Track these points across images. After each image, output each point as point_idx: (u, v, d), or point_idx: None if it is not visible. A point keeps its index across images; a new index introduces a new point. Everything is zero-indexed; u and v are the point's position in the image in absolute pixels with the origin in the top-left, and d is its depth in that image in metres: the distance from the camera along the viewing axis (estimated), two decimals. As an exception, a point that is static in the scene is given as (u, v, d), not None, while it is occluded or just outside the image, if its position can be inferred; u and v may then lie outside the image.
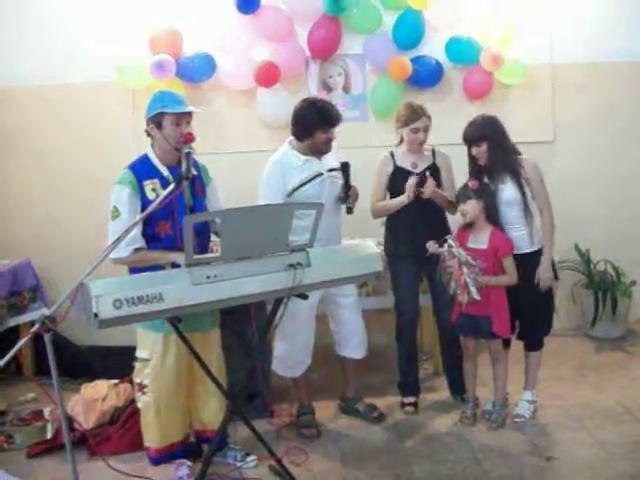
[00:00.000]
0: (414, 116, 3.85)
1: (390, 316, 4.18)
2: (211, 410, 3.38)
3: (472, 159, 3.78)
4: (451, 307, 3.77)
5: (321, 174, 3.66)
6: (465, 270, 3.51)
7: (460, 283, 3.53)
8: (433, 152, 4.02)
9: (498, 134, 3.72)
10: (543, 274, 3.70)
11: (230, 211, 2.82)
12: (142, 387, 3.23)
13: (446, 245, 3.56)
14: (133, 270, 3.13)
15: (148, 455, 3.38)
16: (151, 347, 3.17)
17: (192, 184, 3.20)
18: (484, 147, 3.68)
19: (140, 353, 3.23)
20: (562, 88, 5.37)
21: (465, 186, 3.68)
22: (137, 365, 3.25)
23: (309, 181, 3.63)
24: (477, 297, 3.50)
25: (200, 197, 3.27)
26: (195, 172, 3.17)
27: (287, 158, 3.65)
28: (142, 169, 3.13)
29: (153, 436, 3.30)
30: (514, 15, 5.10)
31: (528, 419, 3.82)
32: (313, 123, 3.59)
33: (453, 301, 3.69)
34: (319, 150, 3.66)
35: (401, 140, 3.98)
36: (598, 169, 5.44)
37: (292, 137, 3.71)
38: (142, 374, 3.23)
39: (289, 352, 3.80)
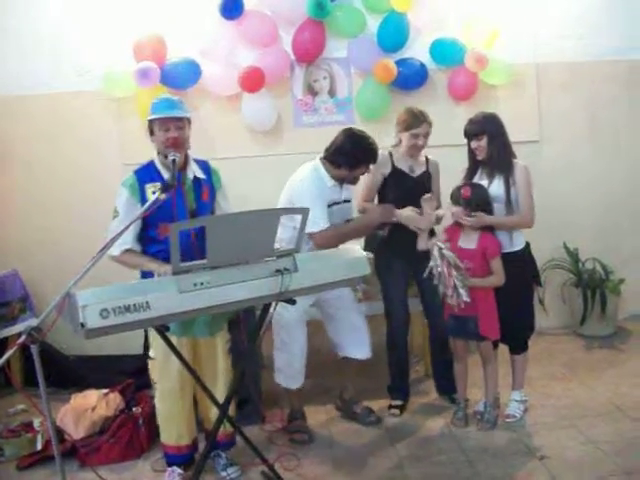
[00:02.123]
0: (415, 122, 3.88)
1: (380, 320, 4.18)
2: (211, 412, 3.38)
3: (471, 154, 3.82)
4: (441, 309, 3.79)
5: (338, 203, 3.76)
6: (454, 272, 3.51)
7: (449, 285, 3.53)
8: (426, 159, 4.06)
9: (497, 130, 3.74)
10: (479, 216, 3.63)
11: (215, 218, 2.82)
12: (154, 383, 3.29)
13: (436, 247, 3.56)
14: (144, 274, 3.17)
15: (163, 451, 3.42)
16: (156, 346, 3.20)
17: (198, 188, 3.25)
18: (484, 141, 3.71)
19: (151, 351, 3.28)
20: (547, 87, 5.39)
21: (459, 188, 3.69)
22: (149, 363, 3.30)
23: (329, 206, 3.69)
24: (467, 299, 3.51)
25: (206, 202, 3.28)
26: (203, 176, 3.26)
27: (321, 175, 3.70)
28: (146, 173, 3.19)
29: (163, 433, 3.36)
30: (497, 15, 5.11)
31: (519, 418, 3.83)
32: (359, 159, 3.67)
33: (444, 302, 3.69)
34: (348, 181, 3.76)
35: (398, 142, 3.98)
36: (585, 168, 5.46)
37: (324, 159, 3.74)
38: (153, 371, 3.29)
39: (289, 361, 3.78)
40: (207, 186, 3.30)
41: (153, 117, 3.15)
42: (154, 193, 3.05)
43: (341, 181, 3.73)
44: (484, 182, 3.76)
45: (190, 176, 3.22)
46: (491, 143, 3.71)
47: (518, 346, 3.88)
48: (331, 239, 3.61)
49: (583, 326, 5.23)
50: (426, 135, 3.92)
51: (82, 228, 4.92)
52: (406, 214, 3.78)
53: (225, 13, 4.81)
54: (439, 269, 3.54)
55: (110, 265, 3.07)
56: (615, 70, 5.44)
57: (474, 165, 3.84)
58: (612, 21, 5.39)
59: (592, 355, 4.89)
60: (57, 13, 4.99)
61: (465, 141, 3.85)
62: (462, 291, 3.51)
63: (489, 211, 3.66)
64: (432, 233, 3.88)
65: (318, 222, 3.56)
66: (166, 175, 3.13)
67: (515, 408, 3.87)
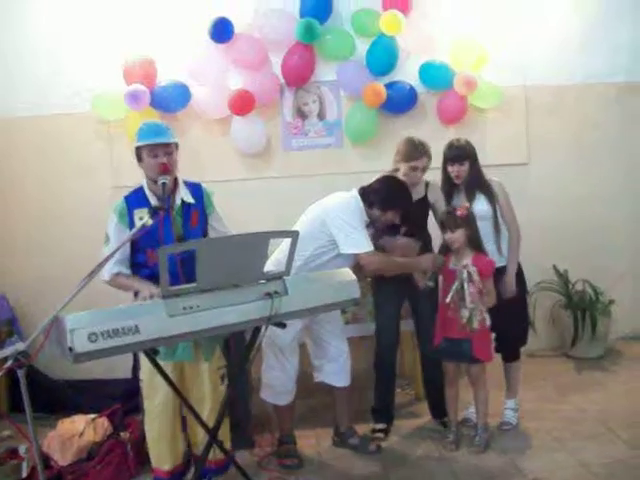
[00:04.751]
0: (415, 154, 3.87)
1: (367, 342, 4.16)
2: (198, 437, 3.35)
3: (447, 177, 3.92)
4: (433, 331, 3.79)
5: None
6: (478, 296, 3.55)
7: (480, 308, 3.54)
8: (426, 185, 4.03)
9: (476, 155, 3.90)
10: (508, 285, 3.86)
11: (205, 241, 2.81)
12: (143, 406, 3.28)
13: (465, 272, 3.56)
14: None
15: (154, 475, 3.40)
16: (144, 369, 3.21)
17: (186, 213, 3.23)
18: (466, 166, 3.83)
19: (141, 374, 3.27)
20: (535, 110, 5.42)
21: (451, 213, 3.70)
22: (141, 385, 3.29)
23: None
24: (489, 323, 3.58)
25: (195, 227, 3.25)
26: (192, 201, 3.24)
27: (360, 205, 3.68)
28: (135, 198, 3.19)
29: (152, 456, 3.34)
30: (486, 39, 5.15)
31: (514, 426, 3.93)
32: (393, 203, 3.67)
33: (435, 325, 3.73)
34: (376, 225, 3.74)
35: (395, 169, 3.96)
36: (573, 190, 5.47)
37: (360, 196, 3.71)
38: (142, 393, 3.28)
39: (278, 380, 3.74)
40: (197, 211, 3.26)
41: (141, 144, 3.14)
42: (141, 219, 3.05)
43: (369, 221, 3.72)
44: (465, 203, 3.85)
45: (178, 201, 3.19)
46: (472, 167, 3.85)
47: (511, 355, 4.01)
48: (380, 264, 3.65)
49: (573, 348, 5.21)
50: (424, 168, 3.92)
51: (70, 251, 4.89)
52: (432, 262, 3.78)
53: (215, 36, 4.84)
54: (468, 292, 3.53)
55: (98, 289, 3.05)
56: (603, 93, 5.47)
57: (449, 188, 3.95)
58: (598, 45, 5.43)
59: (583, 377, 4.87)
60: (47, 35, 4.99)
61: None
62: (487, 315, 3.55)
63: (475, 229, 3.70)
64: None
65: (364, 244, 3.57)
66: (153, 200, 3.14)
67: (511, 416, 3.99)
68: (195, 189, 3.31)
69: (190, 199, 3.24)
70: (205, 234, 3.32)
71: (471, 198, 3.85)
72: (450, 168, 3.87)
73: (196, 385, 3.29)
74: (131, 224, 3.12)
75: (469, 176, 3.85)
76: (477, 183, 3.87)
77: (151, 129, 3.18)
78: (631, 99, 5.51)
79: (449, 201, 3.94)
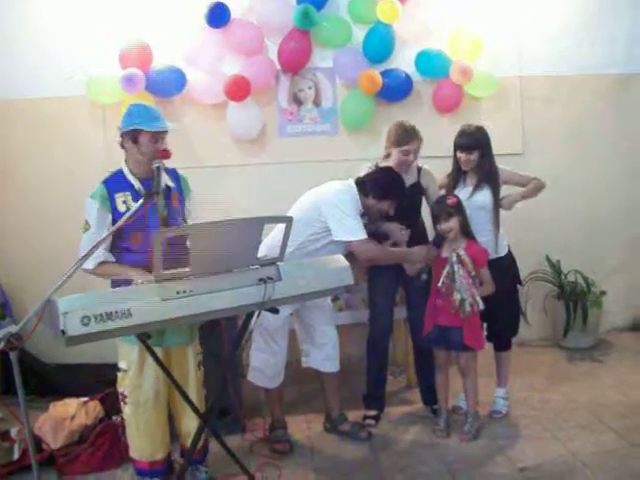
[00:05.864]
0: (406, 138, 3.86)
1: (361, 329, 4.17)
2: (187, 425, 3.33)
3: (456, 163, 3.91)
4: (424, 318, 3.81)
5: None
6: (471, 280, 3.55)
7: (471, 293, 3.54)
8: (419, 170, 4.03)
9: (489, 144, 3.87)
10: (511, 196, 3.96)
11: (199, 225, 2.81)
12: (124, 397, 3.21)
13: (455, 255, 3.57)
14: (114, 283, 3.13)
15: (133, 466, 3.33)
16: (129, 358, 3.15)
17: (167, 195, 3.21)
18: (476, 154, 3.80)
19: (120, 364, 3.21)
20: (530, 100, 5.43)
21: (442, 203, 3.71)
22: (119, 375, 3.22)
23: None
24: (482, 307, 3.58)
25: (176, 208, 3.25)
26: (172, 184, 3.22)
27: (355, 194, 3.69)
28: (115, 183, 3.14)
29: (135, 448, 3.27)
30: (483, 28, 5.14)
31: (505, 414, 3.96)
32: (389, 192, 3.68)
33: (435, 310, 3.73)
34: (370, 214, 3.75)
35: (387, 155, 3.96)
36: (568, 181, 5.47)
37: (356, 186, 3.72)
38: (123, 384, 3.20)
39: (267, 362, 3.75)
40: (177, 192, 3.26)
41: (148, 129, 3.07)
42: (124, 202, 3.07)
43: (364, 212, 3.73)
44: (468, 189, 3.87)
45: (162, 184, 3.14)
46: (482, 156, 3.82)
47: (502, 344, 4.06)
48: (373, 252, 3.66)
49: (565, 338, 5.24)
50: (416, 151, 3.91)
51: (63, 234, 4.85)
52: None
53: (211, 21, 4.81)
54: (460, 275, 3.54)
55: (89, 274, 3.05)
56: (598, 84, 5.49)
57: (458, 173, 3.94)
58: (594, 35, 5.44)
59: (573, 367, 4.90)
60: (42, 17, 4.94)
61: (449, 152, 3.91)
62: (479, 299, 3.55)
63: (466, 217, 3.71)
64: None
65: (358, 232, 3.58)
66: (137, 184, 3.12)
67: (501, 405, 4.04)
68: (172, 174, 3.29)
69: (170, 182, 3.23)
70: (184, 216, 3.32)
71: (476, 187, 3.86)
72: (459, 155, 3.86)
73: (181, 372, 3.25)
74: (114, 208, 3.09)
75: (478, 165, 3.84)
76: (485, 173, 3.85)
77: (152, 114, 3.15)
78: (627, 90, 5.53)
79: (455, 187, 3.92)
